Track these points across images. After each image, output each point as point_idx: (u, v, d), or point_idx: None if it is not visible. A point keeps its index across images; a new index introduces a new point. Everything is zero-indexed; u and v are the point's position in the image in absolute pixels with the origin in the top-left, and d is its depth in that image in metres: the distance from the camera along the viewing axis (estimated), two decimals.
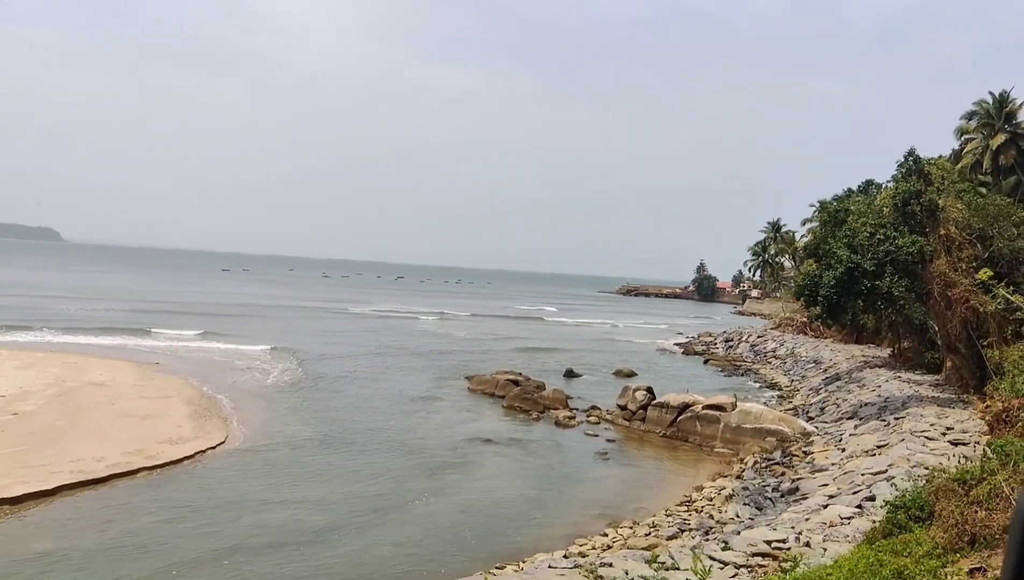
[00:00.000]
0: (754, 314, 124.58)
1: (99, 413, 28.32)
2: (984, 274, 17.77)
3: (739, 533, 13.92)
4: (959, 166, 45.09)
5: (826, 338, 60.52)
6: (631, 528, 19.82)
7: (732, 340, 71.40)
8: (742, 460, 27.46)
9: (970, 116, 45.52)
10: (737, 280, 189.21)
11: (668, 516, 20.98)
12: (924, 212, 27.88)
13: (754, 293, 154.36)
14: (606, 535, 19.38)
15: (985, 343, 22.51)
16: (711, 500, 22.46)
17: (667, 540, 18.55)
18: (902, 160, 28.98)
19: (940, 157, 47.95)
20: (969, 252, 27.10)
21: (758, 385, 49.54)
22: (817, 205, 51.09)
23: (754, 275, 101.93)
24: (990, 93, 44.32)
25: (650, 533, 19.44)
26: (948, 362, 34.79)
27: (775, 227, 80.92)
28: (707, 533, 18.58)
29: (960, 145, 46.96)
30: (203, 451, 24.73)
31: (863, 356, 48.84)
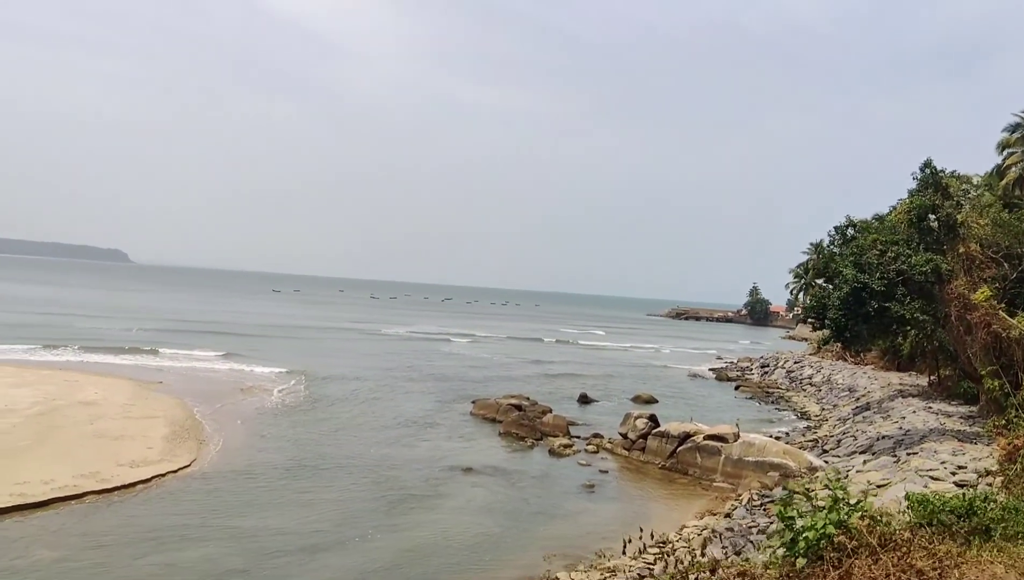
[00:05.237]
0: (805, 339, 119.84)
1: (72, 433, 27.71)
2: (982, 294, 15.58)
3: None
4: (1003, 183, 41.80)
5: (866, 365, 57.13)
6: (586, 574, 17.98)
7: (768, 366, 68.32)
8: (738, 497, 25.26)
9: (1013, 128, 42.14)
10: (792, 304, 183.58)
11: (633, 560, 19.05)
12: (942, 228, 25.47)
13: None
14: None
15: (984, 372, 19.98)
16: (689, 542, 20.44)
17: None
18: (918, 172, 26.62)
19: (988, 173, 44.85)
20: (992, 272, 24.58)
21: (786, 414, 46.78)
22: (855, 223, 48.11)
23: (796, 298, 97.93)
24: None
25: (606, 579, 17.61)
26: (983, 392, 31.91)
27: (817, 249, 77.32)
28: None
29: (1002, 160, 43.60)
30: (161, 475, 23.79)
31: (900, 384, 45.71)
